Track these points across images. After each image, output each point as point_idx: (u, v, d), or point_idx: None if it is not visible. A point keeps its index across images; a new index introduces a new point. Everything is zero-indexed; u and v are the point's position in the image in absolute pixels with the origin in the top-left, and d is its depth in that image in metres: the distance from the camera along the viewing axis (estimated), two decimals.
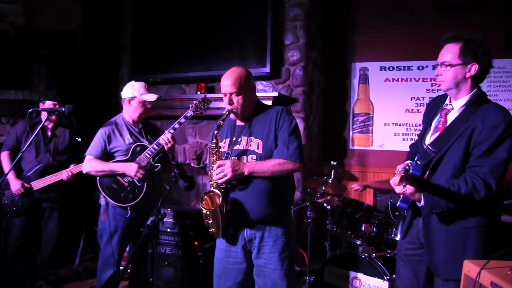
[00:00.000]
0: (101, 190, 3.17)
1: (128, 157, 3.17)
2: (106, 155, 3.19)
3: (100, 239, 3.29)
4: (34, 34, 5.08)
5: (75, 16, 5.44)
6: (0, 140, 4.81)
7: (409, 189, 1.96)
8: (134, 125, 3.30)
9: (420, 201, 2.07)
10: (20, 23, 5.02)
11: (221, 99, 2.62)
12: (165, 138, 3.09)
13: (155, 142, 3.13)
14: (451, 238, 2.09)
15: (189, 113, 3.15)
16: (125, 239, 3.25)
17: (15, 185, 3.66)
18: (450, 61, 2.12)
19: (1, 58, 4.85)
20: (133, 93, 3.23)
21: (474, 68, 2.09)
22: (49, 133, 3.88)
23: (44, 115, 3.60)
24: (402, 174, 1.91)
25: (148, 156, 3.11)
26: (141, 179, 3.11)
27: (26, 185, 3.66)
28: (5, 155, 3.80)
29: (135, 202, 3.13)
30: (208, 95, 4.77)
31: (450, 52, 2.13)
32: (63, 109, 3.13)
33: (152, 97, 3.25)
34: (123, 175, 3.14)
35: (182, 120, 3.14)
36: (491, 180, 1.99)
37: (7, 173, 3.23)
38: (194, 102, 3.18)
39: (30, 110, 3.23)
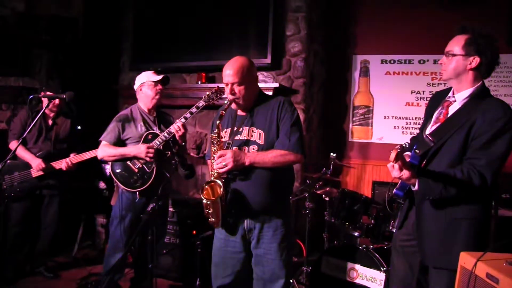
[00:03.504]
0: (112, 175, 3.23)
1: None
2: (119, 143, 3.24)
3: (110, 224, 3.34)
4: (34, 20, 5.03)
5: (76, 2, 5.39)
6: (0, 126, 4.83)
7: (406, 173, 1.97)
8: (148, 113, 3.35)
9: (415, 185, 2.08)
10: (21, 9, 4.97)
11: None
12: (175, 126, 3.11)
13: (166, 130, 3.16)
14: (442, 227, 2.11)
15: (201, 103, 3.08)
16: (134, 224, 3.27)
17: (35, 162, 3.71)
18: (453, 51, 2.13)
19: (1, 45, 4.80)
20: (142, 79, 3.31)
21: (475, 61, 2.10)
22: (50, 122, 3.90)
23: (45, 103, 3.60)
24: (399, 150, 1.92)
25: (158, 143, 3.15)
26: (152, 159, 3.13)
27: (43, 164, 3.70)
28: (15, 144, 3.79)
29: (144, 187, 3.16)
30: (208, 85, 4.78)
31: (456, 43, 2.14)
32: (64, 95, 3.12)
33: (159, 76, 3.31)
34: (133, 160, 3.19)
35: (194, 110, 3.10)
36: (486, 173, 2.00)
37: (8, 158, 3.20)
38: (207, 92, 3.11)
39: (30, 97, 3.23)
